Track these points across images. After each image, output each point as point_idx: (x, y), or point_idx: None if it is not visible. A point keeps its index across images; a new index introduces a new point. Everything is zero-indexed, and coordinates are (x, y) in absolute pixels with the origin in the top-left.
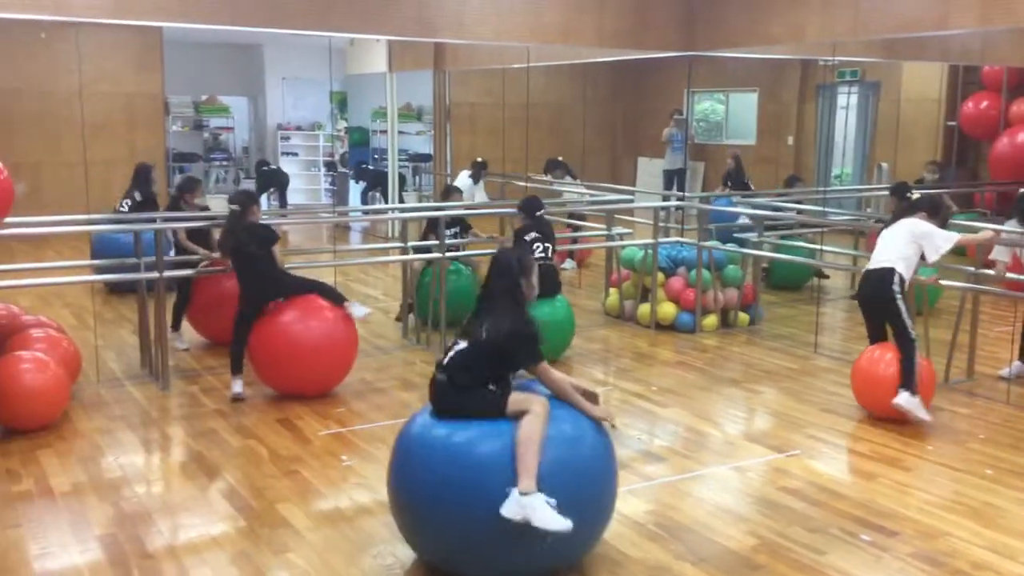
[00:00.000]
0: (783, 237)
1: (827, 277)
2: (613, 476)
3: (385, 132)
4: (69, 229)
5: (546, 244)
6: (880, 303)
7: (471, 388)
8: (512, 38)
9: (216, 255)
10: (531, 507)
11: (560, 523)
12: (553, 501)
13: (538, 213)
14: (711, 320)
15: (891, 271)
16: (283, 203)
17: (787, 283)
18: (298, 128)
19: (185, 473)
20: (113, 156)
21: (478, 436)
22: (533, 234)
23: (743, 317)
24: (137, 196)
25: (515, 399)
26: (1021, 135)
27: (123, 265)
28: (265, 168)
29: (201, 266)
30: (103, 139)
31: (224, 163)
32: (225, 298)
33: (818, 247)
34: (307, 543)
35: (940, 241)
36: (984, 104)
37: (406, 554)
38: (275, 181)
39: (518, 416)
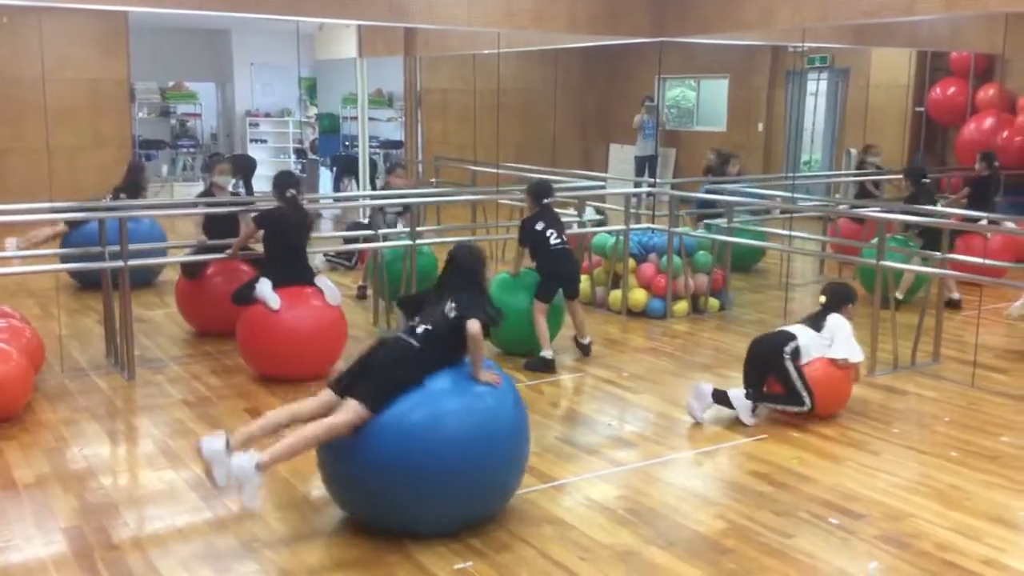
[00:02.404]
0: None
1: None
2: (525, 438)
3: (355, 118)
4: (33, 217)
5: (558, 231)
6: (768, 364)
7: (426, 364)
8: (484, 23)
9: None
10: (247, 478)
11: (250, 497)
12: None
13: (546, 201)
14: (682, 306)
15: (791, 336)
16: (249, 190)
17: (736, 266)
18: (267, 115)
19: (151, 464)
20: (78, 143)
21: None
22: (541, 224)
23: (713, 303)
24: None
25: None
26: (988, 121)
27: (87, 254)
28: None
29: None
30: (67, 125)
31: (191, 150)
32: (213, 289)
33: (765, 230)
34: (275, 533)
35: (849, 348)
36: (951, 90)
37: (374, 543)
38: (242, 167)
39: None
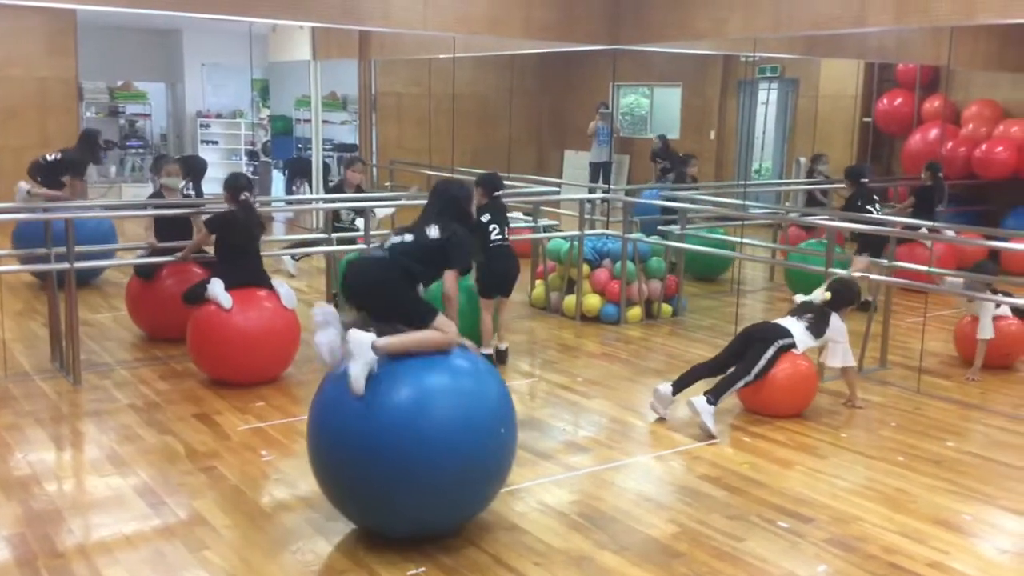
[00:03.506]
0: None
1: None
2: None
3: (309, 121)
4: None
5: (501, 227)
6: (760, 341)
7: (406, 289)
8: (439, 28)
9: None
10: (355, 354)
11: (355, 378)
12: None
13: (496, 193)
14: (635, 312)
15: (787, 333)
16: (199, 192)
17: (701, 275)
18: (218, 116)
19: (97, 470)
20: (24, 143)
21: (392, 387)
22: (487, 216)
23: (666, 308)
24: (68, 155)
25: (438, 323)
26: (933, 131)
27: (31, 255)
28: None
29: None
30: (14, 125)
31: (141, 151)
32: (164, 291)
33: (724, 239)
34: (224, 540)
35: (841, 356)
36: (898, 101)
37: (326, 550)
38: (191, 168)
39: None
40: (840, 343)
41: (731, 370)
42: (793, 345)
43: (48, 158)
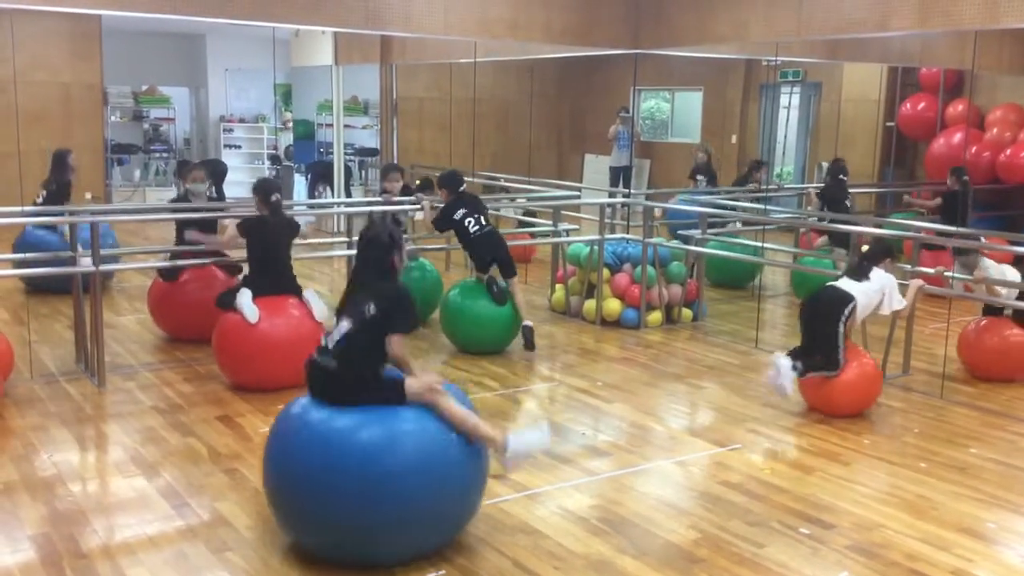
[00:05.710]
0: (718, 235)
1: None
2: (478, 467)
3: (331, 125)
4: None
5: (477, 216)
6: (825, 321)
7: (367, 380)
8: (459, 32)
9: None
10: (520, 452)
11: (541, 438)
12: (522, 433)
13: (461, 188)
14: (655, 316)
15: (851, 299)
16: (220, 196)
17: (730, 282)
18: (241, 120)
19: (121, 471)
20: (49, 147)
21: (358, 422)
22: (461, 211)
23: (687, 313)
24: (52, 186)
25: (411, 391)
26: (957, 136)
27: (57, 259)
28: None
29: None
30: (39, 129)
31: (164, 155)
32: (187, 294)
33: (750, 243)
34: (246, 541)
35: (897, 300)
36: (921, 105)
37: (346, 552)
38: (212, 171)
39: (418, 403)
40: (888, 293)
41: (819, 358)
42: (855, 308)
43: (39, 201)
